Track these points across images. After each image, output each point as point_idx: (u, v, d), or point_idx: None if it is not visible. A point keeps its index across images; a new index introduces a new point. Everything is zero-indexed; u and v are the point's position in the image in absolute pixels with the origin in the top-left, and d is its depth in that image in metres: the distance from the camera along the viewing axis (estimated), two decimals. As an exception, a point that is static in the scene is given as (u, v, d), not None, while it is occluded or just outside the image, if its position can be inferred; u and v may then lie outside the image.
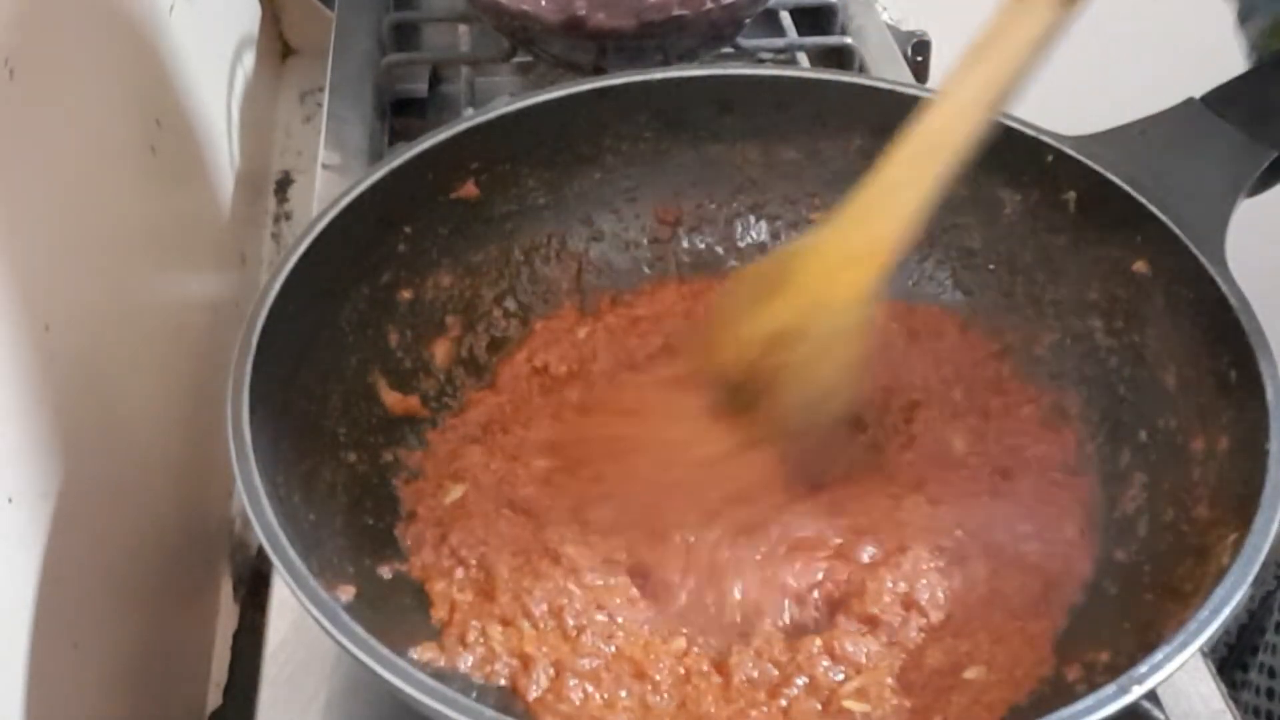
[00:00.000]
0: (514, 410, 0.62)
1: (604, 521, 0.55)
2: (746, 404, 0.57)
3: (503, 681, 0.50)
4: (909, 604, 0.53)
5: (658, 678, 0.51)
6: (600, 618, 0.52)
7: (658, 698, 0.50)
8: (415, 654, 0.50)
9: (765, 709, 0.50)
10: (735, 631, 0.53)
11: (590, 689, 0.49)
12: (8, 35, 0.55)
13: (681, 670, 0.51)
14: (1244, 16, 0.59)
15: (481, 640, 0.51)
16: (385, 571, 0.54)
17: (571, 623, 0.52)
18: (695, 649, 0.52)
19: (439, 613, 0.52)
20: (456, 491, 0.58)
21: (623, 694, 0.50)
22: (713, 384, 0.58)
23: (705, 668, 0.51)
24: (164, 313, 0.76)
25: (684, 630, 0.53)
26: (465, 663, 0.50)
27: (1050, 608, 0.53)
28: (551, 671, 0.50)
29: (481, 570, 0.54)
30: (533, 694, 0.49)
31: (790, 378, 0.56)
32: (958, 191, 0.64)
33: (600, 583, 0.53)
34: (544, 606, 0.52)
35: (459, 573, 0.54)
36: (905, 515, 0.56)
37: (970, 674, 0.51)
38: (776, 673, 0.51)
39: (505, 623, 0.51)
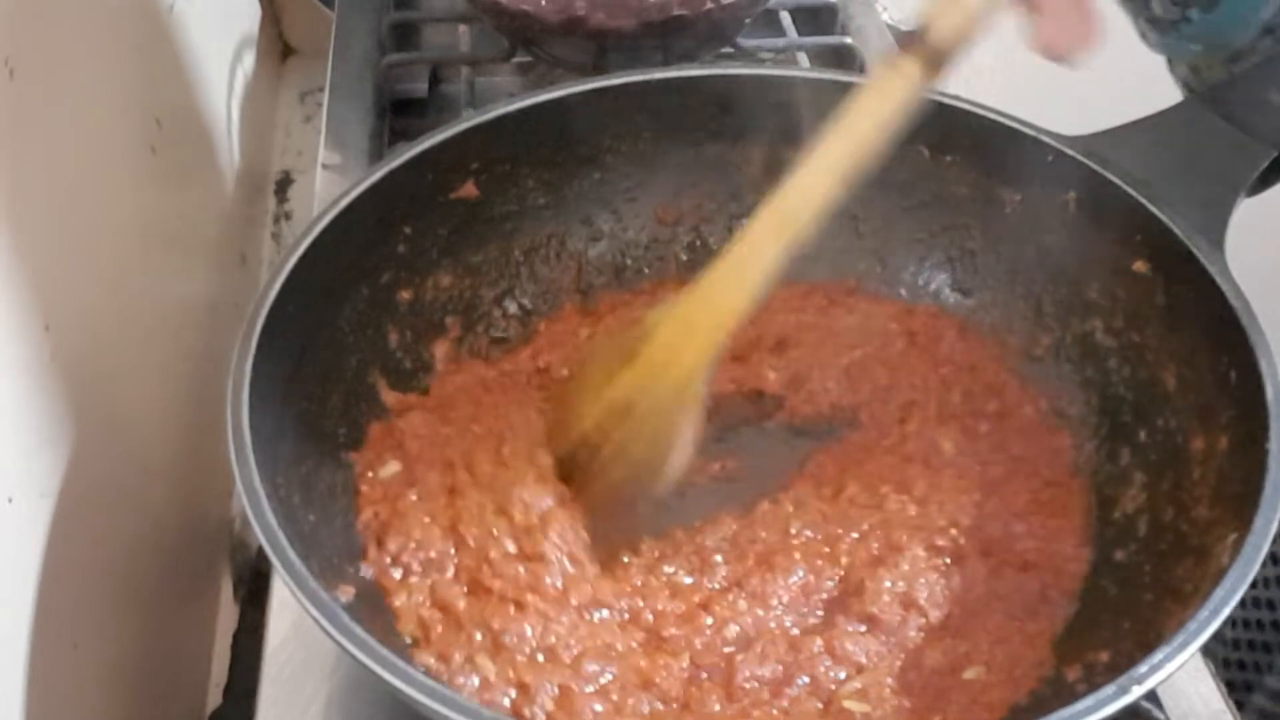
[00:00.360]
0: (483, 393, 0.62)
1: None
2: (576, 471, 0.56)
3: (506, 704, 0.49)
4: (908, 603, 0.53)
5: (665, 686, 0.50)
6: (596, 644, 0.51)
7: (661, 705, 0.50)
8: (415, 655, 0.50)
9: (768, 709, 0.50)
10: (736, 641, 0.53)
11: (599, 707, 0.49)
12: (8, 35, 0.55)
13: (685, 675, 0.51)
14: (1170, 63, 0.60)
15: (471, 667, 0.50)
16: (362, 568, 0.53)
17: (567, 657, 0.51)
18: (698, 665, 0.52)
19: (406, 627, 0.51)
20: (393, 467, 0.57)
21: (630, 702, 0.49)
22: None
23: (706, 676, 0.51)
24: (164, 313, 0.76)
25: (685, 649, 0.52)
26: (466, 683, 0.50)
27: (1050, 608, 0.53)
28: (556, 692, 0.49)
29: (435, 594, 0.52)
30: (539, 717, 0.49)
31: (615, 451, 0.55)
32: (958, 191, 0.65)
33: (583, 618, 0.52)
34: (531, 645, 0.51)
35: (414, 581, 0.52)
36: (889, 515, 0.56)
37: (970, 674, 0.51)
38: (781, 671, 0.51)
39: (493, 654, 0.50)
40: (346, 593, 0.49)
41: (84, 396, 0.60)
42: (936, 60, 0.49)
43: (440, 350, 0.63)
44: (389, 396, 0.60)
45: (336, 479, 0.56)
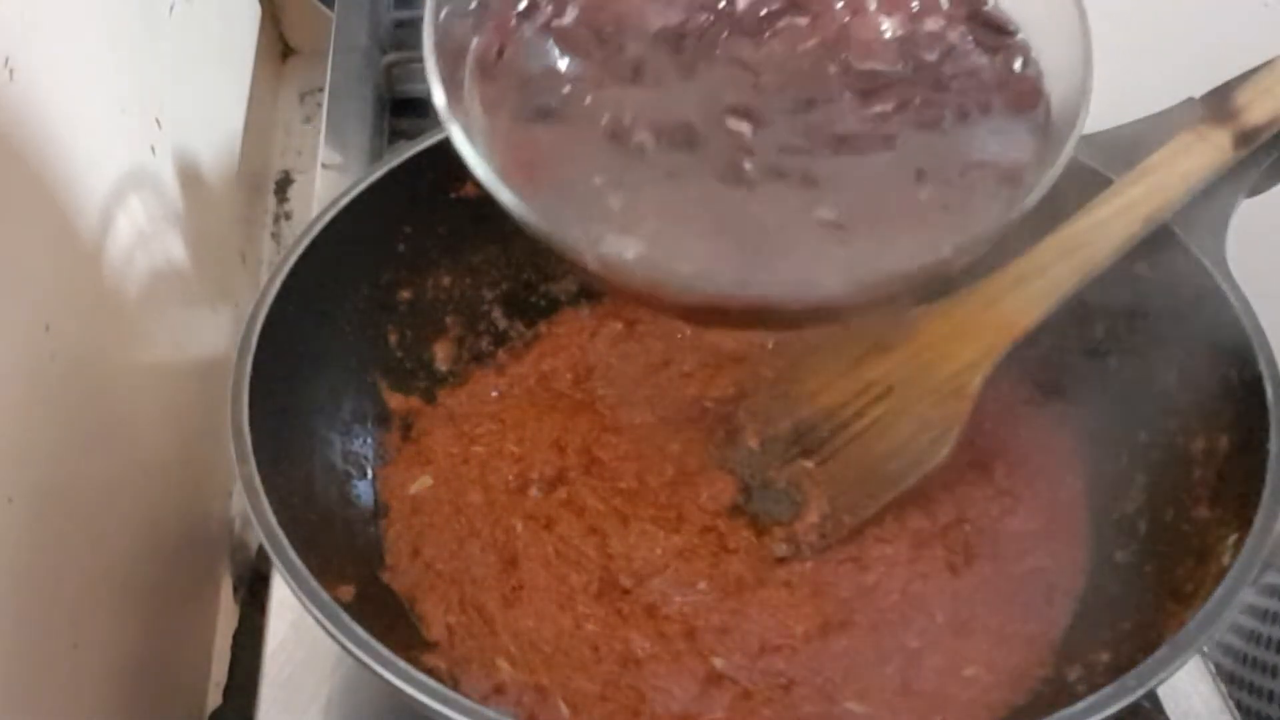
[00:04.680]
0: (500, 405, 0.62)
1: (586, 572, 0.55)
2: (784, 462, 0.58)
3: (520, 706, 0.49)
4: (914, 603, 0.53)
5: (686, 687, 0.50)
6: (619, 647, 0.52)
7: (679, 706, 0.50)
8: (418, 655, 0.50)
9: (777, 708, 0.50)
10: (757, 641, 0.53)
11: (611, 708, 0.49)
12: (8, 35, 0.55)
13: (706, 676, 0.51)
14: None
15: (489, 670, 0.50)
16: (384, 575, 0.54)
17: (591, 653, 0.51)
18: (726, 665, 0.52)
19: (434, 633, 0.52)
20: (425, 481, 0.58)
21: (647, 706, 0.50)
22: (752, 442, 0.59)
23: (728, 678, 0.51)
24: (164, 312, 0.76)
25: (715, 651, 0.52)
26: (474, 687, 0.50)
27: (1050, 608, 0.53)
28: (572, 695, 0.49)
29: (468, 599, 0.53)
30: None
31: (874, 428, 0.56)
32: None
33: (618, 621, 0.53)
34: (553, 646, 0.51)
35: (442, 590, 0.53)
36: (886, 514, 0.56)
37: (969, 672, 0.51)
38: (792, 671, 0.51)
39: (514, 658, 0.51)
40: (347, 593, 0.49)
41: (84, 396, 0.60)
42: (1248, 138, 0.55)
43: (441, 350, 0.63)
44: (390, 397, 0.60)
45: (337, 479, 0.56)
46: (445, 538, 0.55)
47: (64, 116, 0.62)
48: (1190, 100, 0.59)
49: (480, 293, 0.65)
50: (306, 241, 0.56)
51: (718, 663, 0.52)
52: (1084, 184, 0.59)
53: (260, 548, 0.50)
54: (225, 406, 0.49)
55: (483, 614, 0.52)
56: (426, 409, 0.61)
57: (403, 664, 0.42)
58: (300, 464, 0.53)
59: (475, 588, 0.53)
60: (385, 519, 0.56)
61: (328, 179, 0.77)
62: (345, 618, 0.43)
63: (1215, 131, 0.56)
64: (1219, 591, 0.44)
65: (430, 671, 0.48)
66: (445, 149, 0.62)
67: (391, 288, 0.61)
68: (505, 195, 0.39)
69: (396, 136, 0.83)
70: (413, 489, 0.57)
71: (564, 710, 0.49)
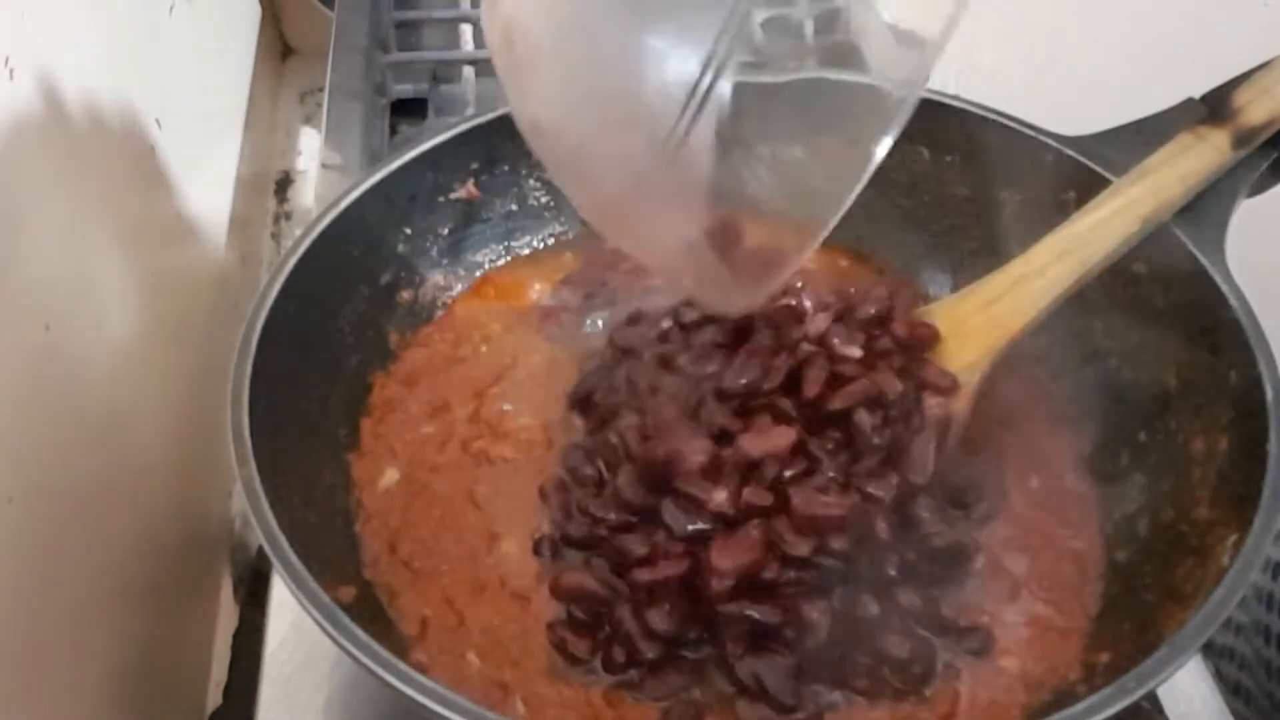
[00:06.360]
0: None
1: None
2: None
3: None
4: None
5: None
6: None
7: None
8: (417, 656, 0.50)
9: None
10: None
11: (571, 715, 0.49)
12: (8, 35, 0.55)
13: None
14: None
15: (459, 664, 0.50)
16: (365, 572, 0.53)
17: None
18: None
19: (409, 629, 0.51)
20: (391, 476, 0.57)
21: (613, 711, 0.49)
22: None
23: None
24: (164, 312, 0.76)
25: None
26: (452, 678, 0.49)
27: (1080, 601, 0.53)
28: (531, 696, 0.49)
29: (442, 592, 0.53)
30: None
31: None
32: (958, 191, 0.65)
33: None
34: (518, 643, 0.51)
35: (420, 585, 0.53)
36: None
37: (1006, 662, 0.51)
38: None
39: (483, 652, 0.50)
40: (347, 593, 0.49)
41: (84, 396, 0.60)
42: (1246, 139, 0.55)
43: (440, 350, 0.63)
44: (390, 397, 0.60)
45: (337, 479, 0.56)
46: (421, 532, 0.55)
47: (64, 117, 0.62)
48: (1190, 100, 0.59)
49: (480, 293, 0.65)
50: (307, 242, 0.56)
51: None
52: (1084, 184, 0.59)
53: (260, 548, 0.50)
54: (225, 407, 0.49)
55: (453, 607, 0.52)
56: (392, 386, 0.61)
57: (402, 665, 0.42)
58: (300, 464, 0.53)
59: (449, 579, 0.53)
60: (359, 516, 0.56)
61: (328, 179, 0.77)
62: (344, 619, 0.43)
63: (1214, 132, 0.56)
64: (1219, 592, 0.44)
65: (420, 665, 0.48)
66: (445, 149, 0.62)
67: (391, 288, 0.61)
68: None
69: (396, 137, 0.83)
70: (382, 484, 0.57)
71: (520, 709, 0.48)
